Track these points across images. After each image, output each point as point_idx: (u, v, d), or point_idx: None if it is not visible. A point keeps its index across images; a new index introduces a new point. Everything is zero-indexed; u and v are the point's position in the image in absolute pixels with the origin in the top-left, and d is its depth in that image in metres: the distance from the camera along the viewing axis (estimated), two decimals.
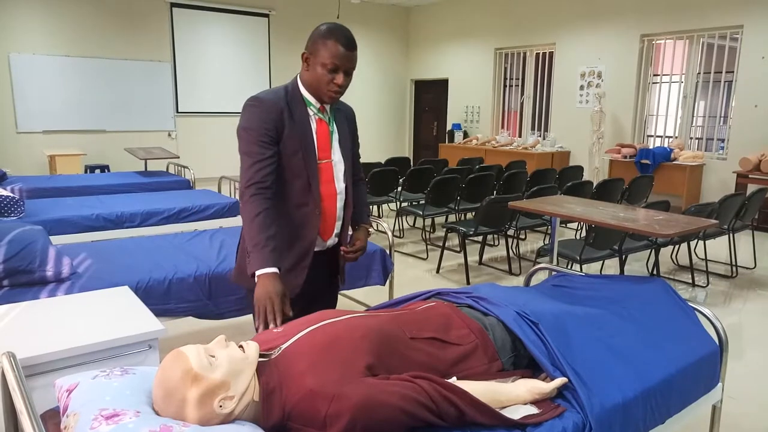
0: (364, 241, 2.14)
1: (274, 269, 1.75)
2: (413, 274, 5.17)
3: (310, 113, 1.95)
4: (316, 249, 1.99)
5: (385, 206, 7.59)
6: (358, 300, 4.01)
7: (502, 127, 10.84)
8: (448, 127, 11.43)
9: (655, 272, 4.97)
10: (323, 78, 1.85)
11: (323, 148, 1.97)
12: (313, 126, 1.95)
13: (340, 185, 2.03)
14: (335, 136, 2.02)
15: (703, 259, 5.21)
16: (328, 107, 2.00)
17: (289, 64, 10.57)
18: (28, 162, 8.42)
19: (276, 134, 1.86)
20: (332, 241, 2.06)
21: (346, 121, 2.09)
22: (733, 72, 7.53)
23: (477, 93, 11.01)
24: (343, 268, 2.16)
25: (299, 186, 1.92)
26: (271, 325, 1.66)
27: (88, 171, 8.38)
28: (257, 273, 1.74)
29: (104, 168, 8.65)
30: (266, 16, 10.39)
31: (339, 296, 4.04)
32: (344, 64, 1.84)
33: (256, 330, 1.69)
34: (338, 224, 2.05)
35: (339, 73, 1.85)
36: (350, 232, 2.17)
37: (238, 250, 2.05)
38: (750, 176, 6.91)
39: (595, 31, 8.87)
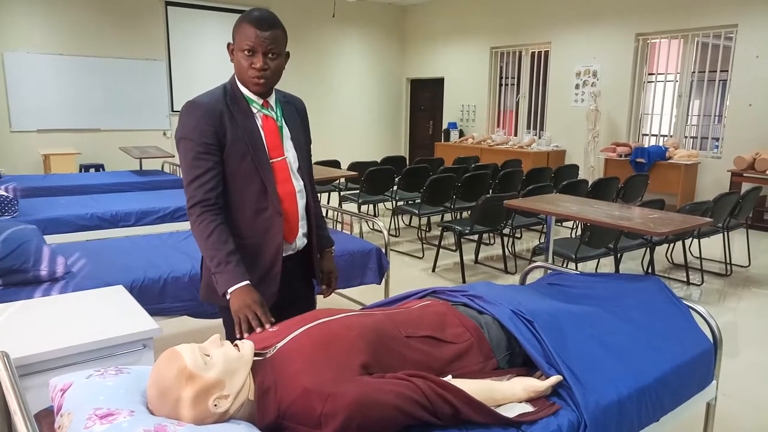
0: (332, 266, 2.09)
1: (245, 282, 1.67)
2: (409, 273, 5.17)
3: (254, 110, 1.81)
4: (285, 254, 1.87)
5: (380, 205, 7.59)
6: (353, 299, 4.00)
7: (498, 126, 10.85)
8: (444, 126, 11.43)
9: (650, 270, 4.99)
10: (244, 64, 1.74)
11: (274, 146, 1.83)
12: (259, 123, 1.82)
13: (298, 183, 1.90)
14: (285, 132, 1.89)
15: (697, 258, 5.23)
16: (273, 101, 1.87)
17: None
18: (22, 161, 8.38)
19: (217, 140, 1.73)
20: (301, 242, 1.94)
21: (296, 114, 1.96)
22: (727, 71, 7.56)
23: (473, 92, 11.01)
24: (319, 269, 2.06)
25: (255, 190, 1.79)
26: (258, 330, 1.60)
27: (83, 170, 8.35)
28: (229, 291, 1.66)
29: (99, 167, 8.62)
30: None
31: (335, 295, 4.05)
32: (260, 45, 1.71)
33: (238, 336, 1.61)
34: (303, 224, 1.93)
35: (257, 55, 1.72)
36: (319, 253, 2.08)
37: (202, 268, 1.92)
38: (744, 175, 6.94)
39: (591, 30, 8.88)
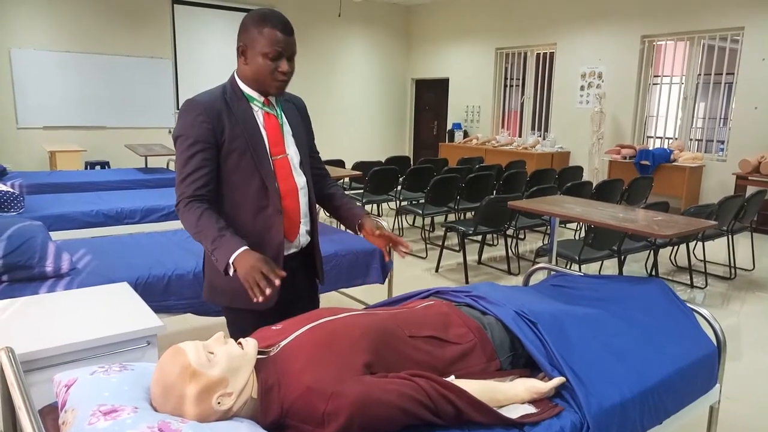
0: (379, 224, 1.94)
1: (243, 247, 1.62)
2: (412, 273, 5.17)
3: (255, 108, 1.81)
4: (288, 252, 1.87)
5: (384, 205, 7.59)
6: (356, 298, 4.01)
7: (502, 126, 10.84)
8: (449, 127, 11.42)
9: (653, 273, 4.97)
10: (266, 68, 1.72)
11: (275, 143, 1.83)
12: (260, 121, 1.81)
13: (300, 180, 1.88)
14: (286, 129, 1.89)
15: (701, 261, 5.22)
16: (274, 99, 1.87)
17: None
18: (28, 157, 8.41)
19: (213, 139, 1.73)
20: (304, 239, 1.93)
21: (297, 112, 1.97)
22: (733, 74, 7.53)
23: (477, 93, 11.00)
24: (322, 267, 2.04)
25: (255, 188, 1.78)
26: (268, 291, 1.52)
27: (89, 167, 8.36)
28: (230, 261, 1.60)
29: (104, 164, 8.64)
30: None
31: (338, 294, 4.06)
32: (286, 50, 1.73)
33: (257, 301, 1.54)
34: (305, 221, 1.91)
35: (282, 60, 1.73)
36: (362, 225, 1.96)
37: (205, 267, 1.92)
38: (749, 178, 6.91)
39: (596, 31, 8.86)
